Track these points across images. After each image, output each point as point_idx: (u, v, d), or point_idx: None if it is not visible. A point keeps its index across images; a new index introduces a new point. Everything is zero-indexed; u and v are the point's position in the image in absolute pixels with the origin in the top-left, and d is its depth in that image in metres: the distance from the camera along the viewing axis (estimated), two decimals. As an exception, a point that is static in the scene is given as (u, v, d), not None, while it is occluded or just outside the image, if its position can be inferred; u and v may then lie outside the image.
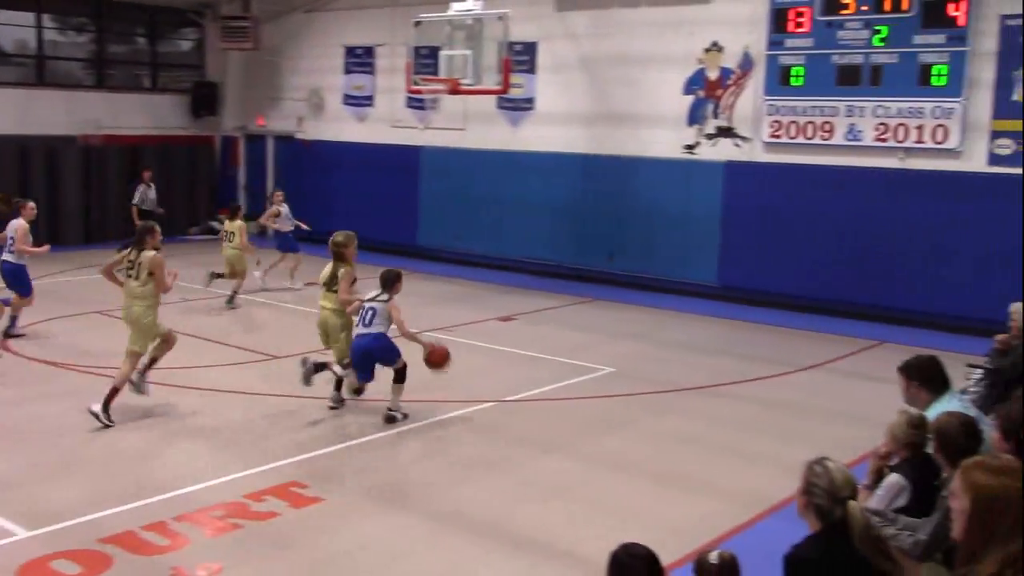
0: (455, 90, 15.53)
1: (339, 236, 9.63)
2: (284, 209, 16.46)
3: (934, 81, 13.72)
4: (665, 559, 3.95)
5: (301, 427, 9.03)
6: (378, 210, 19.66)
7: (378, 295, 9.19)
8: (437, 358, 9.24)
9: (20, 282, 12.08)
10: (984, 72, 13.41)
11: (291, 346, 11.55)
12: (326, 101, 21.42)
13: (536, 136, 17.97)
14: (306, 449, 8.36)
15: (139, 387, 9.18)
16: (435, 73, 16.19)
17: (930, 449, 5.09)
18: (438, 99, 16.14)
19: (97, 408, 8.77)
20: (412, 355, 9.31)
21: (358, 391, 9.43)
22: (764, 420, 9.61)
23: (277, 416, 9.35)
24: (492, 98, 17.64)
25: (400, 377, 9.17)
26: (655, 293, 16.01)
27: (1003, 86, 13.29)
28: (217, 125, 23.03)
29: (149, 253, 9.06)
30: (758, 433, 9.17)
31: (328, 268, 9.54)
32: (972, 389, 7.64)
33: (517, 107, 18.22)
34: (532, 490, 7.63)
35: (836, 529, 3.92)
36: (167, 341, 9.33)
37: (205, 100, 22.46)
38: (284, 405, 9.68)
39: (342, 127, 21.09)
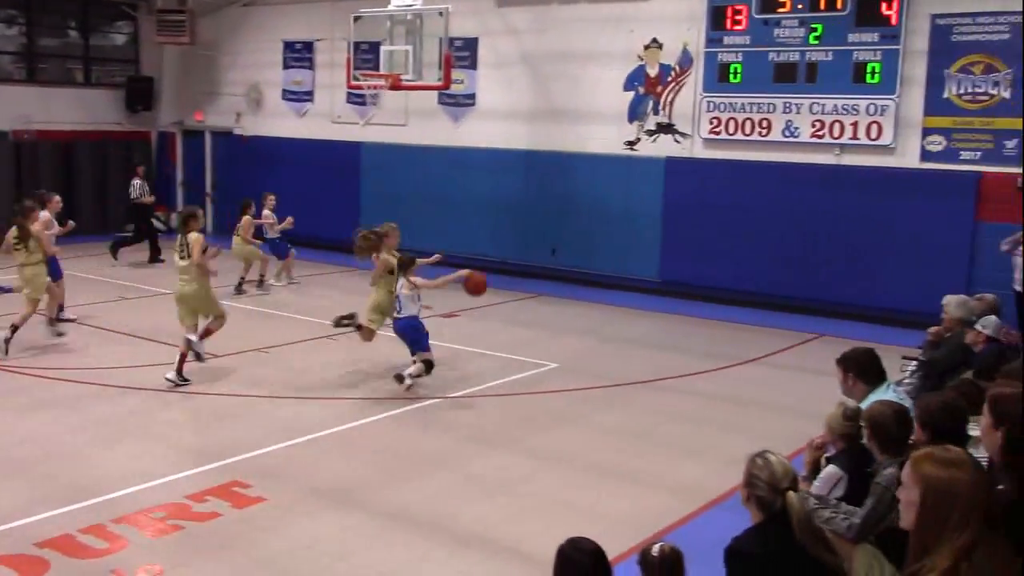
0: (396, 86, 15.44)
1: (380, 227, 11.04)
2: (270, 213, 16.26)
3: (868, 79, 13.98)
4: (610, 552, 4.00)
5: (243, 426, 8.94)
6: (319, 207, 19.47)
7: (400, 286, 10.06)
8: (473, 285, 10.27)
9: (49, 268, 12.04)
10: (916, 70, 13.70)
11: (231, 344, 11.41)
12: (265, 96, 21.17)
13: (478, 132, 17.96)
14: (249, 448, 8.27)
15: (198, 355, 10.29)
16: (375, 68, 16.09)
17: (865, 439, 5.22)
18: (379, 95, 16.04)
19: (172, 375, 10.01)
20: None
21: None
22: (706, 413, 9.72)
23: (218, 415, 9.25)
24: (433, 94, 17.59)
25: (428, 367, 10.03)
26: (598, 289, 16.11)
27: (934, 84, 13.59)
28: (153, 120, 22.64)
29: (193, 235, 10.19)
30: (700, 426, 9.28)
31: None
32: (907, 381, 7.82)
33: (459, 103, 18.19)
34: (477, 486, 7.64)
35: (777, 520, 4.01)
36: (220, 317, 10.53)
37: (140, 95, 22.05)
38: (225, 404, 9.57)
39: (281, 123, 20.87)
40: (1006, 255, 11.82)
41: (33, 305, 11.37)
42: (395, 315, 10.16)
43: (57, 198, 13.20)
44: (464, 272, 10.37)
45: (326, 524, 6.83)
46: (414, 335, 10.13)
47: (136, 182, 18.68)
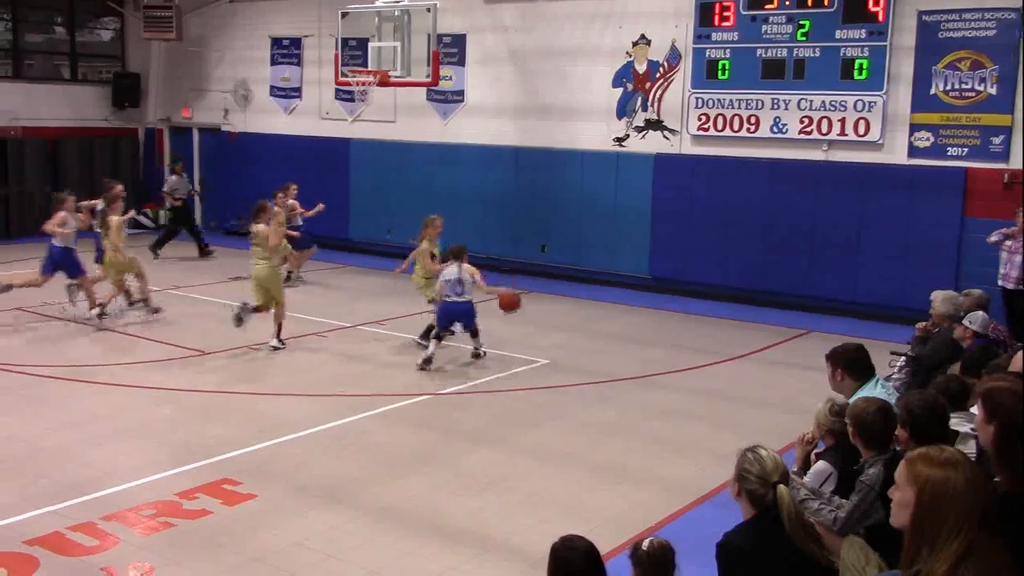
0: (384, 82, 15.40)
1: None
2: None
3: (856, 75, 14.02)
4: (600, 548, 4.01)
5: (233, 423, 8.92)
6: (308, 203, 19.34)
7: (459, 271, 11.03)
8: (506, 303, 11.34)
9: (72, 263, 12.91)
10: (903, 66, 13.74)
11: (221, 342, 11.40)
12: (253, 93, 21.10)
13: (467, 128, 17.95)
14: (239, 445, 8.26)
15: (239, 317, 11.46)
16: (364, 65, 16.06)
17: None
18: (367, 91, 16.01)
19: (275, 342, 11.40)
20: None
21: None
22: (695, 409, 9.75)
23: (207, 412, 9.23)
24: (422, 90, 17.56)
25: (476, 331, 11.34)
26: (587, 285, 16.14)
27: (921, 80, 13.64)
28: (140, 117, 22.55)
29: (260, 226, 11.51)
30: (690, 422, 9.31)
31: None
32: (896, 376, 7.86)
33: (447, 99, 18.17)
34: (467, 483, 7.64)
35: (768, 514, 4.02)
36: (281, 305, 11.68)
37: (127, 91, 21.94)
38: (215, 401, 9.56)
39: (269, 119, 20.81)
40: (993, 248, 11.90)
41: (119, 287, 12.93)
42: (455, 298, 11.02)
43: (70, 199, 13.34)
44: (499, 290, 11.60)
45: (317, 521, 6.83)
46: (473, 316, 11.20)
47: (173, 178, 18.80)
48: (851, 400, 5.70)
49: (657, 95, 15.92)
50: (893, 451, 4.85)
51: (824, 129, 14.35)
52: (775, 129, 14.76)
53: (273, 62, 20.66)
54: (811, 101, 14.41)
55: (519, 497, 7.37)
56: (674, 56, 15.68)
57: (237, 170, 20.94)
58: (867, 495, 4.72)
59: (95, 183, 21.13)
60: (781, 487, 4.01)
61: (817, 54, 14.29)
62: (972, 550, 2.75)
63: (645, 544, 3.95)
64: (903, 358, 8.25)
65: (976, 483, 2.86)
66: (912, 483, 2.92)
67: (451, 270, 11.08)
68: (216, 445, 8.24)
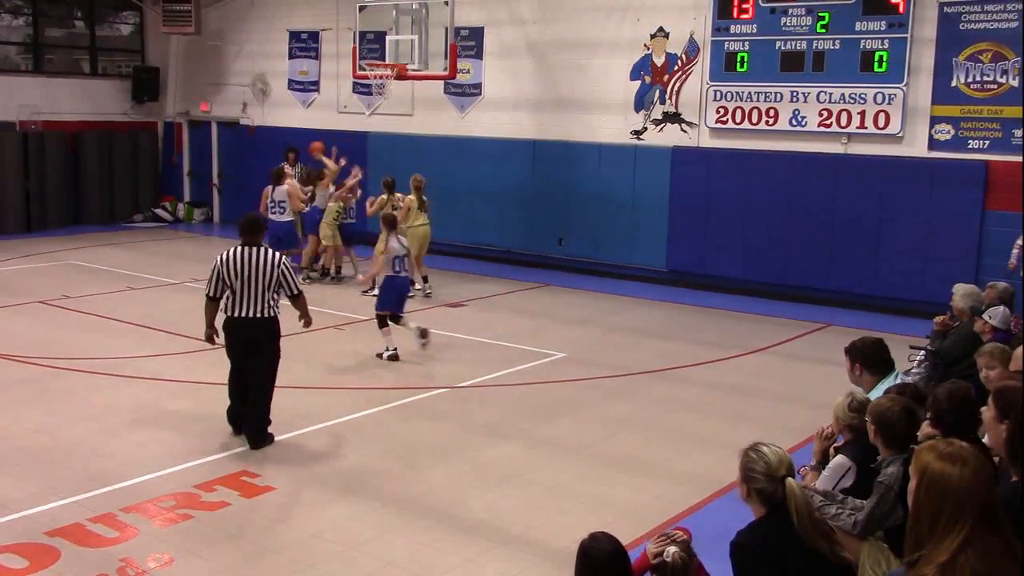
0: (402, 75, 15.44)
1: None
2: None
3: (876, 67, 13.93)
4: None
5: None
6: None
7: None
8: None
9: (293, 237, 15.07)
10: (924, 58, 13.65)
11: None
12: (271, 87, 21.16)
13: (484, 122, 17.94)
14: (256, 438, 8.28)
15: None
16: (381, 58, 16.08)
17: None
18: (385, 85, 16.02)
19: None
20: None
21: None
22: (713, 403, 9.73)
23: (226, 405, 9.25)
24: (439, 84, 17.57)
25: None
26: (604, 278, 16.11)
27: (942, 72, 13.54)
28: (159, 111, 22.65)
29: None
30: (707, 416, 9.29)
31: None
32: (915, 371, 7.80)
33: (465, 93, 18.17)
34: (485, 476, 7.65)
35: (779, 512, 3.99)
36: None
37: (146, 85, 22.05)
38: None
39: (288, 113, 20.86)
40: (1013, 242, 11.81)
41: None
42: (403, 273, 11.26)
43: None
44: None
45: (334, 513, 6.86)
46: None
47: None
48: (870, 395, 5.67)
49: (675, 88, 15.86)
50: (912, 450, 4.81)
51: (843, 122, 14.27)
52: (794, 122, 14.68)
53: (291, 56, 20.71)
54: (830, 94, 14.33)
55: (536, 490, 7.37)
56: (692, 49, 15.62)
57: (255, 164, 20.99)
58: (886, 495, 4.65)
59: (114, 177, 21.34)
60: (789, 480, 3.98)
61: (837, 46, 14.20)
62: (971, 542, 2.75)
63: (669, 554, 3.91)
64: (922, 352, 8.19)
65: (980, 479, 2.84)
66: (915, 472, 2.93)
67: (398, 246, 11.17)
68: (234, 437, 8.26)
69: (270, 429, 8.21)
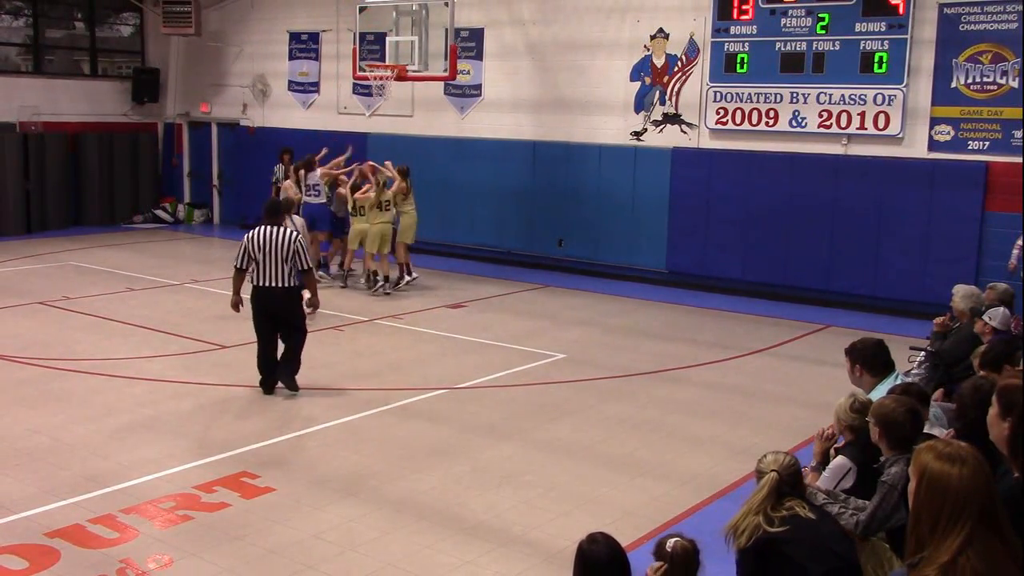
0: (402, 76, 15.44)
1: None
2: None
3: (876, 68, 13.94)
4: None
5: (250, 417, 8.96)
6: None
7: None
8: None
9: (326, 217, 15.56)
10: (924, 60, 13.65)
11: (238, 336, 11.43)
12: (271, 87, 21.17)
13: (484, 123, 17.94)
14: (257, 439, 8.29)
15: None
16: (381, 59, 16.08)
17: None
18: (385, 86, 16.03)
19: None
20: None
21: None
22: (713, 404, 9.72)
23: (226, 406, 9.28)
24: (439, 85, 17.57)
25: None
26: (604, 279, 16.11)
27: (942, 73, 13.54)
28: (159, 112, 22.66)
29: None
30: (707, 417, 9.28)
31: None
32: (915, 372, 7.79)
33: (465, 94, 18.17)
34: (485, 477, 7.65)
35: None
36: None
37: (146, 86, 22.05)
38: (233, 395, 9.60)
39: (288, 114, 20.86)
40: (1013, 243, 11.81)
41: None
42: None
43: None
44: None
45: (335, 514, 6.85)
46: None
47: (279, 167, 17.42)
48: (870, 395, 5.67)
49: (675, 89, 15.87)
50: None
51: (843, 123, 14.28)
52: (794, 123, 14.69)
53: (291, 57, 20.71)
54: (830, 95, 14.34)
55: (536, 491, 7.37)
56: (692, 50, 15.62)
57: (255, 165, 21.00)
58: (889, 494, 4.63)
59: (114, 178, 21.34)
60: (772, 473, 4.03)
61: (836, 47, 14.21)
62: (972, 542, 2.75)
63: (669, 544, 3.91)
64: (922, 353, 8.19)
65: (979, 480, 2.84)
66: (915, 472, 2.93)
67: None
68: (234, 438, 8.28)
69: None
